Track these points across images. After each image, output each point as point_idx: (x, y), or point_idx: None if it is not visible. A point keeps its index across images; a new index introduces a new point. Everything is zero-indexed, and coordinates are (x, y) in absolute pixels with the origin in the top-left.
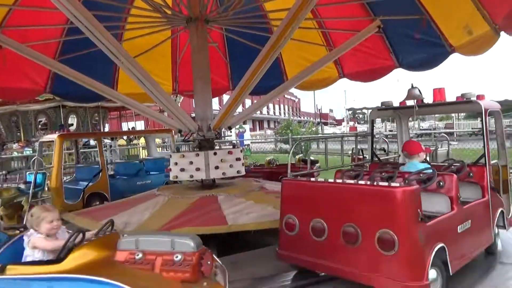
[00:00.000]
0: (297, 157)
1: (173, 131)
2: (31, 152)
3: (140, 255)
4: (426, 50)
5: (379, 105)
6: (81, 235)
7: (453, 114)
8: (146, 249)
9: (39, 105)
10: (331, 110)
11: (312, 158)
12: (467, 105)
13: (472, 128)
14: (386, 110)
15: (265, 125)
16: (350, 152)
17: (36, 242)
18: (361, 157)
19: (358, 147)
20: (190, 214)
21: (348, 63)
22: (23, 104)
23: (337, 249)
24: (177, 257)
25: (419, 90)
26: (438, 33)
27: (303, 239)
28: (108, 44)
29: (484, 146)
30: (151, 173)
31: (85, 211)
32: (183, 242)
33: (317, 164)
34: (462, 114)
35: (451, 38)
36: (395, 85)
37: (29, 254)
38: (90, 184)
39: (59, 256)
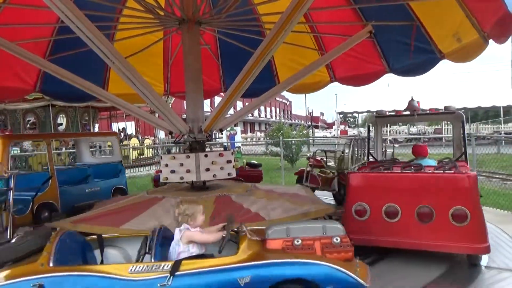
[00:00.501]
0: (244, 161)
1: (118, 135)
2: (18, 151)
3: (300, 241)
4: (417, 56)
5: (370, 109)
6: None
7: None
8: (299, 236)
9: (28, 104)
10: (322, 114)
11: (255, 162)
12: (449, 115)
13: None
14: (384, 117)
15: (256, 127)
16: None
17: (194, 236)
18: (319, 159)
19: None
20: (221, 212)
21: (339, 67)
22: (11, 103)
23: (411, 227)
24: (336, 239)
25: (417, 102)
26: (429, 39)
27: (375, 222)
28: (100, 44)
29: (458, 149)
30: (96, 179)
31: (85, 218)
32: (334, 227)
33: (259, 168)
34: None
35: (440, 45)
36: (386, 90)
37: (184, 250)
38: (39, 193)
39: (220, 248)
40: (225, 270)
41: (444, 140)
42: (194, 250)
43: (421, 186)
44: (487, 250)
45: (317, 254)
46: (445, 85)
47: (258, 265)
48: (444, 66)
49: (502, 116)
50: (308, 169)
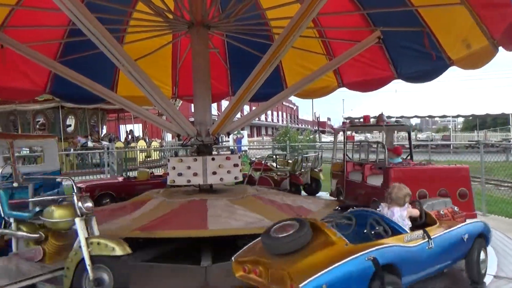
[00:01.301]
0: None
1: (56, 138)
2: (27, 152)
3: (443, 212)
4: (425, 62)
5: (376, 115)
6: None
7: (450, 126)
8: (437, 209)
9: (38, 105)
10: (329, 119)
11: None
12: (399, 126)
13: (469, 141)
14: (356, 126)
15: (263, 131)
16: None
17: (412, 212)
18: (266, 163)
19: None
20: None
21: (347, 72)
22: (22, 104)
23: None
24: (456, 208)
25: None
26: (437, 46)
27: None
28: (110, 47)
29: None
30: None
31: (151, 226)
32: (448, 201)
33: None
34: (459, 126)
35: (449, 51)
36: (393, 96)
37: (408, 223)
38: None
39: (421, 218)
40: (453, 231)
41: (452, 147)
42: (407, 222)
43: (439, 176)
44: (476, 216)
45: (454, 220)
46: (453, 92)
47: (466, 226)
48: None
49: (511, 123)
50: (250, 173)
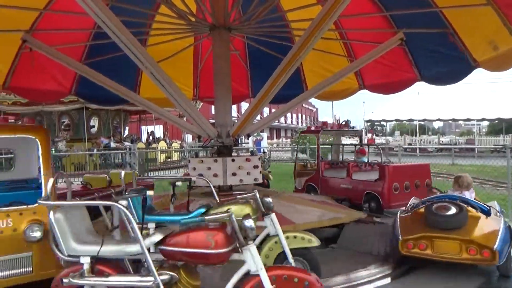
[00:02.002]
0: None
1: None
2: (53, 152)
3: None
4: (449, 64)
5: (399, 118)
6: None
7: (474, 130)
8: None
9: (63, 107)
10: (349, 121)
11: None
12: (353, 131)
13: (495, 145)
14: (328, 131)
15: (282, 133)
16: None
17: (473, 197)
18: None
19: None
20: None
21: (369, 74)
22: (48, 105)
23: (412, 193)
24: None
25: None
26: (462, 47)
27: (401, 193)
28: (133, 49)
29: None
30: None
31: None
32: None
33: None
34: (484, 129)
35: (475, 53)
36: (416, 98)
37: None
38: None
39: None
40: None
41: (476, 151)
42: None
43: (413, 171)
44: None
45: None
46: (477, 95)
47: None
48: (477, 74)
49: None
50: None
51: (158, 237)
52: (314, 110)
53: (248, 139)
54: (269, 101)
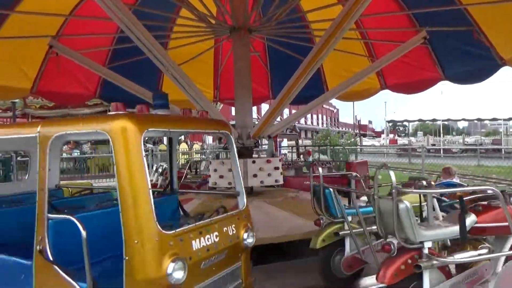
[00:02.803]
0: None
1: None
2: (78, 154)
3: None
4: (474, 62)
5: (422, 118)
6: None
7: (501, 129)
8: None
9: (88, 109)
10: (370, 122)
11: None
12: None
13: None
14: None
15: (302, 135)
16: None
17: None
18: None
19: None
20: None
21: (391, 74)
22: (73, 108)
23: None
24: None
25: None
26: (488, 45)
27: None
28: (156, 52)
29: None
30: None
31: None
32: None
33: None
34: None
35: (501, 51)
36: (439, 98)
37: None
38: None
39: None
40: None
41: (503, 152)
42: None
43: (360, 166)
44: None
45: None
46: (504, 93)
47: None
48: (503, 73)
49: None
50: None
51: (473, 217)
52: (335, 110)
53: (268, 140)
54: (290, 102)
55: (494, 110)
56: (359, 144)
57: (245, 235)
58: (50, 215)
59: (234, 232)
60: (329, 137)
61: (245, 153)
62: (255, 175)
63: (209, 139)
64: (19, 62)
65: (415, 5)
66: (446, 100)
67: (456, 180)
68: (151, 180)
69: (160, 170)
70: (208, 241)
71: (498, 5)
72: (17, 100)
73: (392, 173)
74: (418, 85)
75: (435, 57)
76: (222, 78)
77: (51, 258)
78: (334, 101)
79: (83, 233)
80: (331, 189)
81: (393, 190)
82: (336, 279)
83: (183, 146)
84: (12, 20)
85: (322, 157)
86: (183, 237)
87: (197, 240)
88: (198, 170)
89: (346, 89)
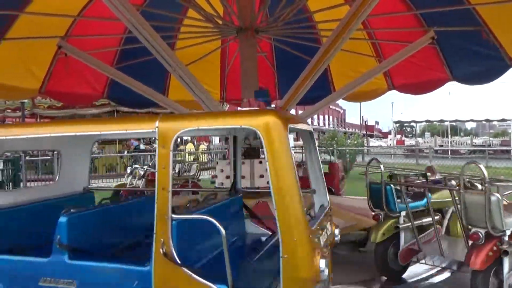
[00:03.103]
0: None
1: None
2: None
3: None
4: (483, 63)
5: (429, 119)
6: None
7: (509, 130)
8: None
9: (96, 110)
10: (377, 123)
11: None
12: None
13: None
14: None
15: None
16: None
17: None
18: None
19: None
20: None
21: (398, 74)
22: (81, 108)
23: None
24: None
25: None
26: (497, 45)
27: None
28: (163, 53)
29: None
30: None
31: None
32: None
33: None
34: None
35: (511, 51)
36: (446, 98)
37: None
38: None
39: None
40: None
41: None
42: None
43: (335, 168)
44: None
45: None
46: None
47: None
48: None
49: None
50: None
51: None
52: (341, 111)
53: None
54: (296, 102)
55: (503, 111)
56: (365, 145)
57: (336, 231)
58: (174, 216)
59: (331, 229)
60: (336, 138)
61: (252, 153)
62: (261, 176)
63: (216, 140)
64: (28, 63)
65: (423, 5)
66: (454, 101)
67: (438, 177)
68: (131, 184)
69: (141, 172)
70: (324, 237)
71: (507, 4)
72: (26, 100)
73: (483, 168)
74: (426, 85)
75: (443, 58)
76: (229, 79)
77: (179, 262)
78: (340, 102)
79: (223, 232)
80: (391, 186)
81: (486, 185)
82: (392, 270)
83: (190, 146)
84: (21, 21)
85: (328, 158)
86: (318, 233)
87: (321, 237)
88: (182, 171)
89: (353, 90)
